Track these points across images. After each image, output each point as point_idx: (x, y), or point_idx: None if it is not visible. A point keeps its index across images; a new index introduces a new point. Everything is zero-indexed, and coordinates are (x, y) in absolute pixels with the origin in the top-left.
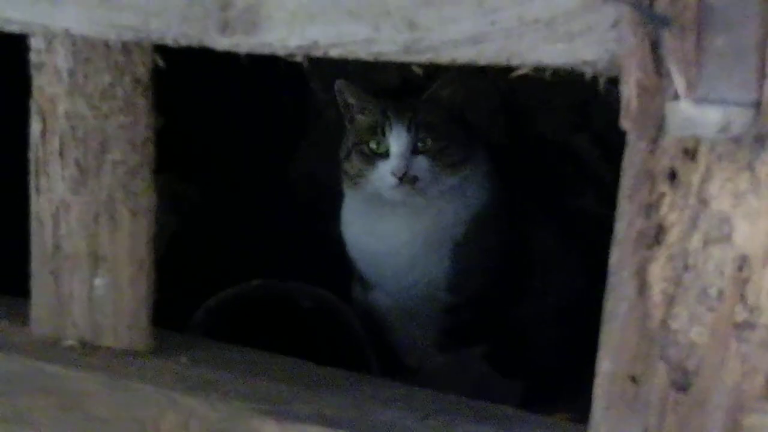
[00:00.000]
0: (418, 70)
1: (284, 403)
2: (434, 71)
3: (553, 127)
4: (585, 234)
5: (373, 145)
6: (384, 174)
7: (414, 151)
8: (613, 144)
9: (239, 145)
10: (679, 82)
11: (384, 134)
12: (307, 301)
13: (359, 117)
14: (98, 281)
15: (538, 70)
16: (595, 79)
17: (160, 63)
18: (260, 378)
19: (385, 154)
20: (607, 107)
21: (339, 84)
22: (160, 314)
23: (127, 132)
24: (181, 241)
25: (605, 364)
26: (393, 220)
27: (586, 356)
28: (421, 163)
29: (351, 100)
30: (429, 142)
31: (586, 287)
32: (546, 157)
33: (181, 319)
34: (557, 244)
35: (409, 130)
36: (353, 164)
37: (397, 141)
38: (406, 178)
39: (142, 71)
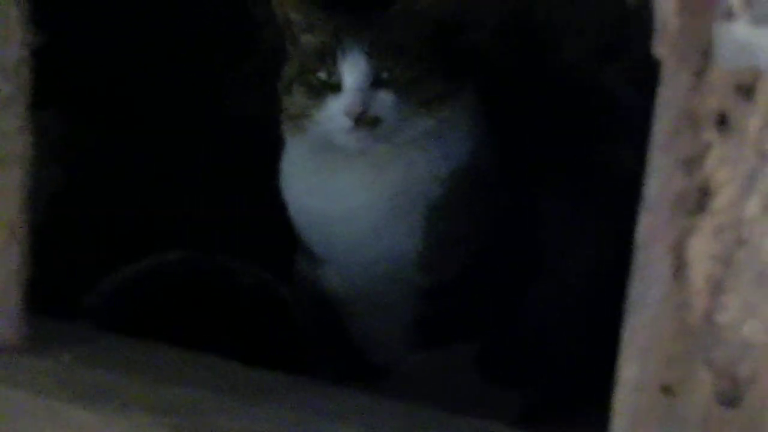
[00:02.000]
0: None
1: (203, 415)
2: None
3: (579, 54)
4: (617, 200)
5: (321, 75)
6: (335, 113)
7: (375, 83)
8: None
9: (151, 76)
10: None
11: (335, 61)
12: (247, 278)
13: (305, 38)
14: None
15: None
16: None
17: None
18: (172, 383)
19: (337, 87)
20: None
21: None
22: (37, 298)
23: None
24: (68, 202)
25: (630, 370)
26: (348, 176)
27: (609, 361)
28: (385, 99)
29: (293, 15)
30: (396, 71)
31: (613, 278)
32: (568, 95)
33: (67, 305)
34: (577, 214)
35: (369, 55)
36: (295, 100)
37: (351, 70)
38: (364, 120)
39: None
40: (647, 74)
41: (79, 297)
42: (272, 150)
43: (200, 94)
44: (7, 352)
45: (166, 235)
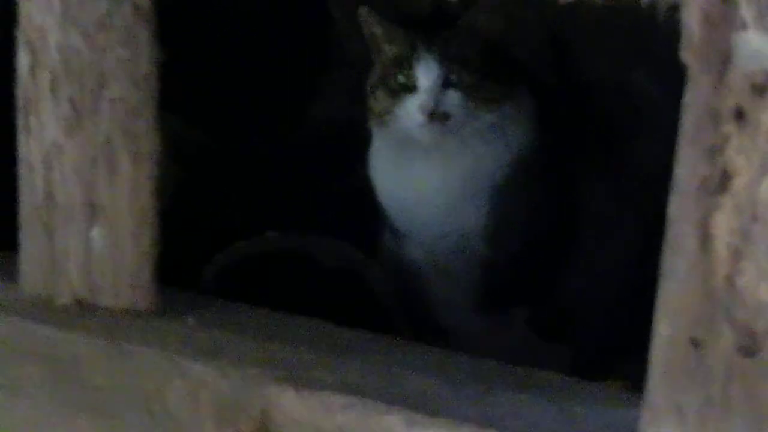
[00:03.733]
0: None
1: (304, 369)
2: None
3: (608, 63)
4: (642, 191)
5: (400, 78)
6: (411, 110)
7: (445, 84)
8: (676, 82)
9: (252, 84)
10: (747, 9)
11: (411, 66)
12: (330, 259)
13: (386, 48)
14: (95, 234)
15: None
16: (652, 6)
17: None
18: (276, 342)
19: (413, 89)
20: (669, 39)
21: (362, 12)
22: (166, 272)
23: (127, 67)
24: (187, 193)
25: (663, 327)
26: (423, 164)
27: (645, 320)
28: (453, 97)
29: (376, 30)
30: (462, 74)
31: (644, 249)
32: (598, 99)
33: (189, 278)
34: (611, 203)
35: (439, 61)
36: (379, 100)
37: (425, 73)
38: (435, 115)
39: None
40: (670, 75)
41: (198, 270)
42: (355, 146)
43: (294, 99)
44: (141, 317)
45: (268, 218)
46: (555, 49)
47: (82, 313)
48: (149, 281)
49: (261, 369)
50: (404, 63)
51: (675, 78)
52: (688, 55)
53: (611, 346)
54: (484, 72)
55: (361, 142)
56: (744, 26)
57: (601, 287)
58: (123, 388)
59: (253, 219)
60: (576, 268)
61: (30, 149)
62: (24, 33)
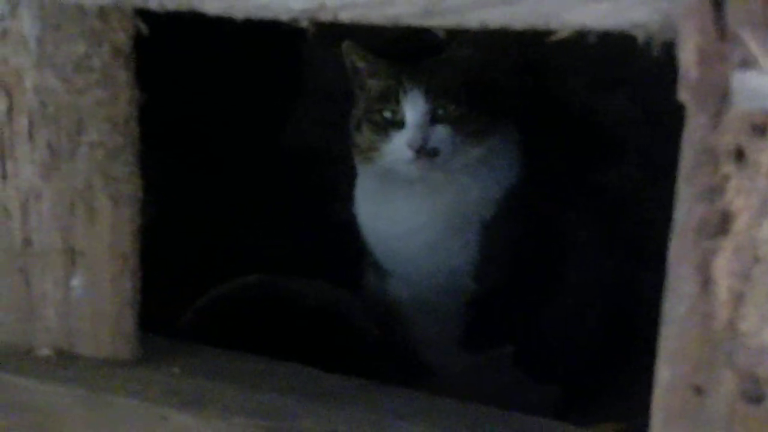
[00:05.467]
0: (442, 34)
1: (292, 418)
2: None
3: (584, 85)
4: (620, 216)
5: (386, 114)
6: (399, 146)
7: (432, 119)
8: (653, 105)
9: (225, 121)
10: (745, 47)
11: (398, 101)
12: (312, 300)
13: (370, 82)
14: (75, 281)
15: (581, 33)
16: (647, 44)
17: (143, 29)
18: (263, 390)
19: (400, 124)
20: (647, 61)
21: (345, 46)
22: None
23: (106, 109)
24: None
25: (665, 373)
26: (411, 200)
27: (634, 357)
28: (441, 132)
29: (360, 64)
30: (449, 108)
31: (627, 278)
32: (573, 124)
33: (163, 323)
34: (592, 230)
35: (426, 95)
36: (365, 136)
37: (413, 109)
38: (424, 151)
39: (122, 39)
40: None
41: (173, 316)
42: (330, 176)
43: (265, 133)
44: (123, 367)
45: (248, 260)
46: (533, 74)
47: (61, 363)
48: (131, 329)
49: (248, 418)
50: (390, 98)
51: (657, 104)
52: (684, 93)
53: (602, 385)
54: (470, 105)
55: (336, 172)
56: (742, 64)
57: (586, 319)
58: None
59: (231, 259)
60: (560, 302)
61: (7, 194)
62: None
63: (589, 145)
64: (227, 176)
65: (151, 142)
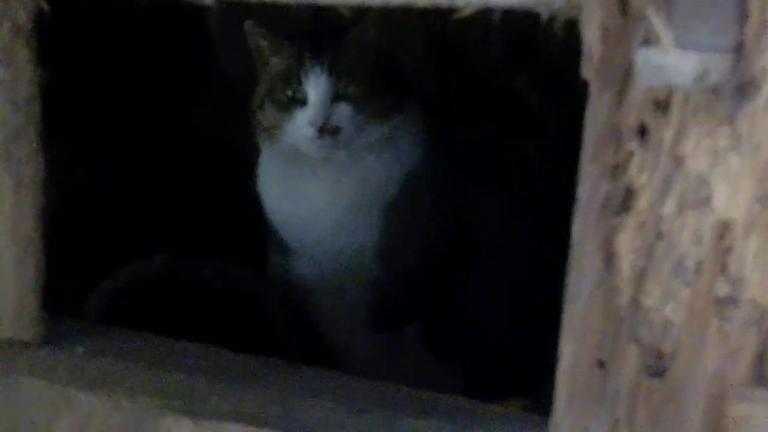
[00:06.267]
0: (346, 13)
1: (199, 398)
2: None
3: (491, 66)
4: (534, 197)
5: (288, 93)
6: (301, 124)
7: (335, 98)
8: (558, 86)
9: (134, 104)
10: (648, 25)
11: (300, 80)
12: (218, 282)
13: (273, 61)
14: None
15: (485, 11)
16: (550, 21)
17: (45, 8)
18: (170, 370)
19: (303, 102)
20: (551, 42)
21: (247, 26)
22: (48, 299)
23: (7, 88)
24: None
25: (569, 348)
26: (314, 179)
27: (545, 337)
28: (343, 111)
29: (262, 43)
30: (351, 87)
31: (541, 260)
32: (484, 104)
33: (71, 305)
34: (505, 214)
35: (329, 74)
36: (267, 115)
37: (315, 87)
38: (326, 129)
39: (24, 18)
40: (552, 82)
41: (80, 298)
42: (239, 160)
43: (175, 117)
44: (28, 348)
45: (154, 239)
46: (438, 54)
47: None
48: (35, 310)
49: (155, 399)
50: (292, 76)
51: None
52: (588, 71)
53: (508, 364)
54: (373, 84)
55: (243, 155)
56: (645, 42)
57: (493, 301)
58: (9, 420)
59: (138, 240)
60: (470, 285)
61: None
62: None
63: (510, 120)
64: (136, 156)
65: (58, 123)
